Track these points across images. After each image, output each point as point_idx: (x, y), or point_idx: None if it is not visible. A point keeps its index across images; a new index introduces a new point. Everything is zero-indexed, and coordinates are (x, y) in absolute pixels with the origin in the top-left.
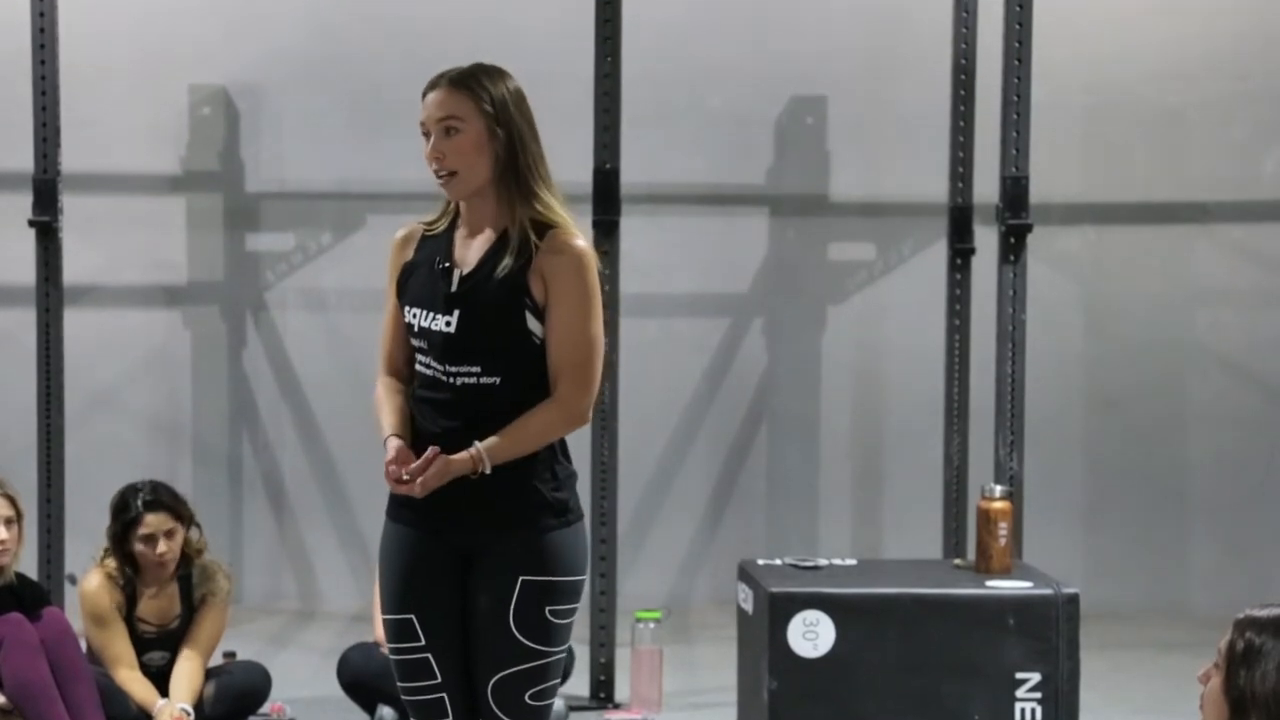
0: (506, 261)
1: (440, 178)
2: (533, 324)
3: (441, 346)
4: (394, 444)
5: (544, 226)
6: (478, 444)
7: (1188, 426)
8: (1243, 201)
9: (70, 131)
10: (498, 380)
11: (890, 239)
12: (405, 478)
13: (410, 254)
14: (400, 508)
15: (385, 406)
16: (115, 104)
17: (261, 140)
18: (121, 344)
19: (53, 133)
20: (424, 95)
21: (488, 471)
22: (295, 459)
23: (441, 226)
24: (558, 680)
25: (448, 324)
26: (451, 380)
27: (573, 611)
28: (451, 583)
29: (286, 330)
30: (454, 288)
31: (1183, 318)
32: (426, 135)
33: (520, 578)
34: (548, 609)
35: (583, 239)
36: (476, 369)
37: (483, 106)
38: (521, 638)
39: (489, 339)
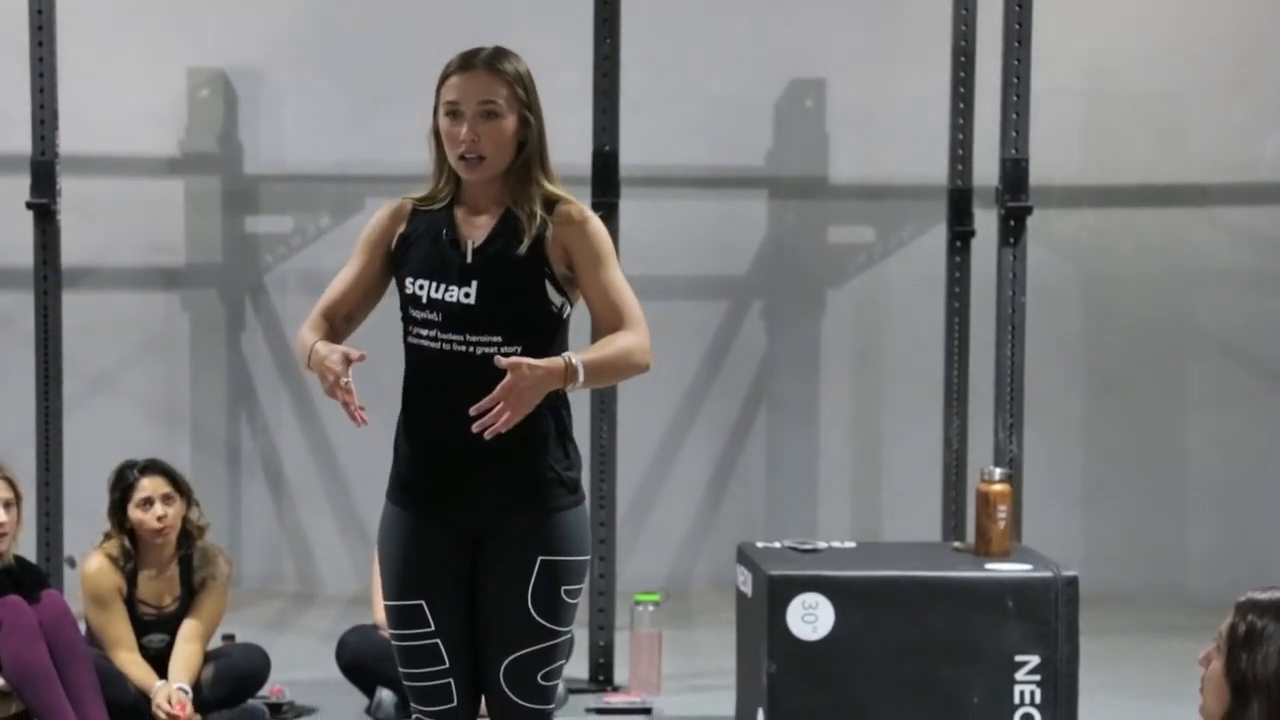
0: (524, 234)
1: (467, 159)
2: (552, 294)
3: (461, 317)
4: (322, 347)
5: (549, 201)
6: (568, 354)
7: (1187, 409)
8: (1242, 184)
9: (68, 114)
10: (519, 349)
11: (890, 222)
12: (486, 411)
13: (403, 226)
14: (402, 490)
15: (307, 331)
16: (113, 86)
17: (260, 123)
18: (120, 327)
19: (51, 115)
20: (450, 75)
21: (580, 382)
22: (294, 442)
23: (439, 203)
24: (565, 660)
25: (466, 295)
26: (471, 350)
27: (581, 591)
28: (458, 565)
29: (285, 313)
30: (469, 259)
31: (1182, 300)
32: (452, 115)
33: (539, 558)
34: (563, 588)
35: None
36: (498, 338)
37: (516, 93)
38: (538, 618)
39: (511, 308)
